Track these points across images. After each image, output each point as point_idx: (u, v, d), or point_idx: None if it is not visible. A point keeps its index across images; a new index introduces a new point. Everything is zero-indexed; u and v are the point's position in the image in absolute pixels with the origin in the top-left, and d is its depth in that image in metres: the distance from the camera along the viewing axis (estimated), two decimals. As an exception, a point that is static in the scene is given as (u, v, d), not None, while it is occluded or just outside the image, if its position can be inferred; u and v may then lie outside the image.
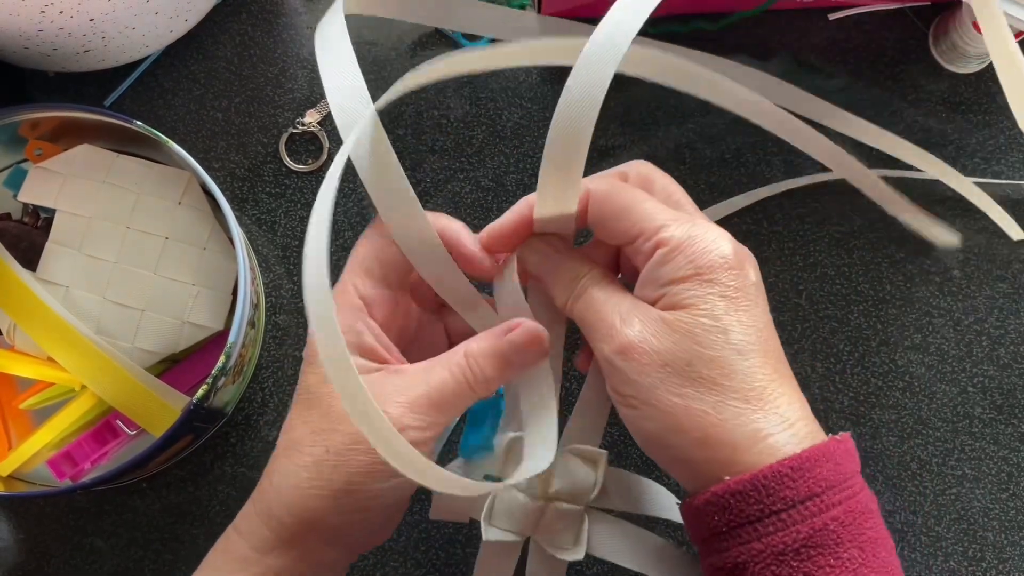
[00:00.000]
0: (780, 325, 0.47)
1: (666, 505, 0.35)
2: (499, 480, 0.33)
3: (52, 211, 0.44)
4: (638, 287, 0.31)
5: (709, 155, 0.49)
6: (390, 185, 0.31)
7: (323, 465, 0.29)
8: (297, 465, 0.30)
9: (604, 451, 0.34)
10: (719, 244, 0.30)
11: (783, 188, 0.48)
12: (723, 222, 0.48)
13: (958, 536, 0.46)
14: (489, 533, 0.33)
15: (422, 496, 0.46)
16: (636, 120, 0.49)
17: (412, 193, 0.31)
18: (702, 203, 0.48)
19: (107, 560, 0.46)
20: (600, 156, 0.49)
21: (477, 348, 0.31)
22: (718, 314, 0.29)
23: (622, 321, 0.30)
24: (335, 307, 0.28)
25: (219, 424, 0.45)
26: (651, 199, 0.31)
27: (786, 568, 0.27)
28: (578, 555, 0.33)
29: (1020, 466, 0.47)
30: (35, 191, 0.44)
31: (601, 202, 0.32)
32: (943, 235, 0.47)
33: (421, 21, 0.46)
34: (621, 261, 0.34)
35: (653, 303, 0.30)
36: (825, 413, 0.47)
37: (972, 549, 0.46)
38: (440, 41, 0.50)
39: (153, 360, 0.43)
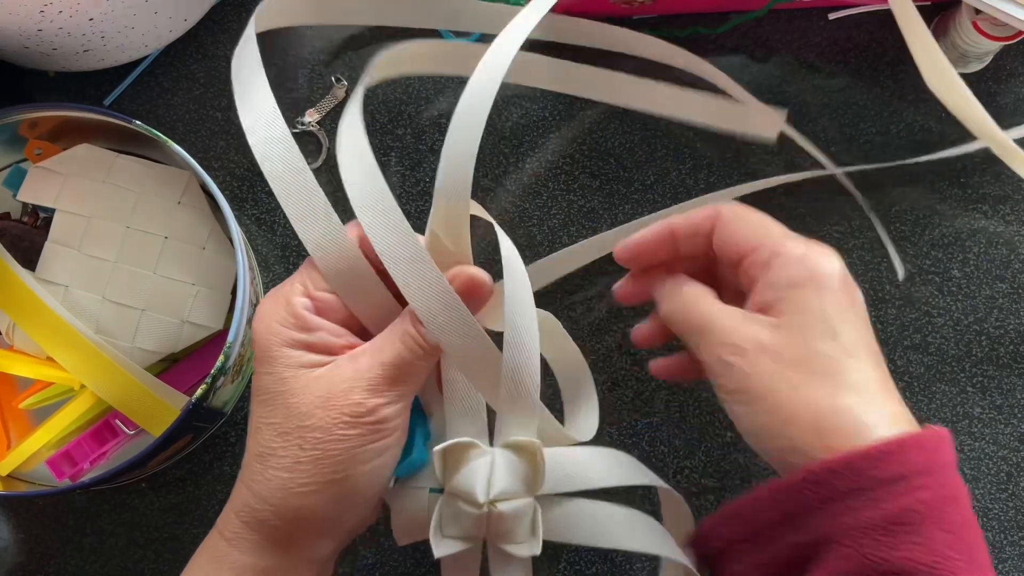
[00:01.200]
0: (780, 325, 0.48)
1: (606, 471, 0.34)
2: (441, 491, 0.33)
3: (52, 210, 0.44)
4: (752, 295, 0.33)
5: (710, 154, 0.49)
6: (308, 203, 0.32)
7: (302, 463, 0.30)
8: (276, 469, 0.30)
9: (537, 441, 0.33)
10: (832, 260, 0.33)
11: (771, 184, 0.48)
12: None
13: (958, 536, 0.46)
14: (439, 548, 0.32)
15: (422, 496, 0.46)
16: (637, 120, 0.49)
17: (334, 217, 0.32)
18: (704, 202, 0.49)
19: (107, 560, 0.46)
20: (602, 156, 0.49)
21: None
22: (829, 316, 0.31)
23: (734, 325, 0.32)
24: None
25: (218, 424, 0.45)
26: (773, 221, 0.35)
27: (870, 542, 0.28)
28: (535, 549, 0.32)
29: (1019, 466, 0.47)
30: (35, 191, 0.44)
31: (731, 218, 0.34)
32: (766, 126, 0.47)
33: (342, 22, 0.48)
34: (719, 281, 0.37)
35: (765, 310, 0.32)
36: (825, 413, 0.47)
37: (972, 549, 0.46)
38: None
39: (153, 360, 0.43)
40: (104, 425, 0.44)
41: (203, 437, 0.45)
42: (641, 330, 0.40)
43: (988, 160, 0.49)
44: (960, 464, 0.47)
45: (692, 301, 0.34)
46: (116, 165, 0.44)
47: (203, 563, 0.31)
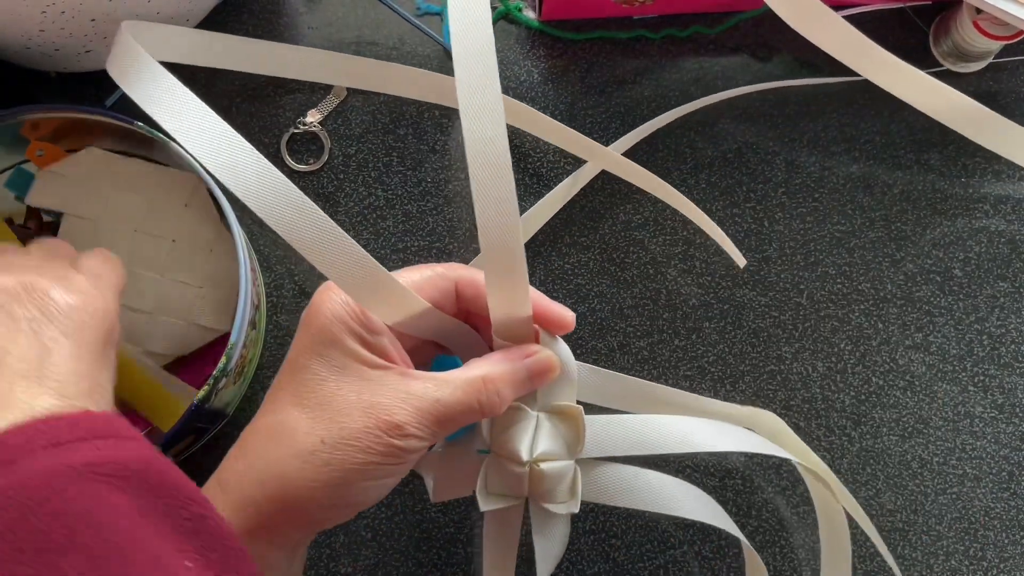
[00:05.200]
0: (781, 324, 0.48)
1: (652, 439, 0.36)
2: (488, 452, 0.34)
3: (56, 215, 0.44)
4: None
5: (710, 154, 0.49)
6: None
7: (316, 457, 0.29)
8: (286, 453, 0.29)
9: (579, 406, 0.34)
10: None
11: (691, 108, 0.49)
12: (728, 222, 0.48)
13: (959, 535, 0.46)
14: (485, 503, 0.34)
15: (423, 496, 0.47)
16: (637, 120, 0.49)
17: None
18: (704, 202, 0.49)
19: (108, 560, 0.46)
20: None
21: (495, 372, 0.31)
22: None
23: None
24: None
25: (220, 425, 0.45)
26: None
27: None
28: (574, 507, 0.34)
29: (1021, 465, 0.47)
30: (43, 195, 0.44)
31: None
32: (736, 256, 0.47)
33: (225, 66, 0.45)
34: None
35: None
36: (826, 412, 0.47)
37: (973, 548, 0.46)
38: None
39: (163, 362, 0.44)
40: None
41: (205, 438, 0.45)
42: None
43: (989, 160, 0.49)
44: (961, 463, 0.47)
45: None
46: (123, 168, 0.44)
47: None
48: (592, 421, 0.35)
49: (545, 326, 0.33)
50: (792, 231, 0.49)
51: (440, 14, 0.50)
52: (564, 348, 0.34)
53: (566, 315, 0.34)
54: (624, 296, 0.48)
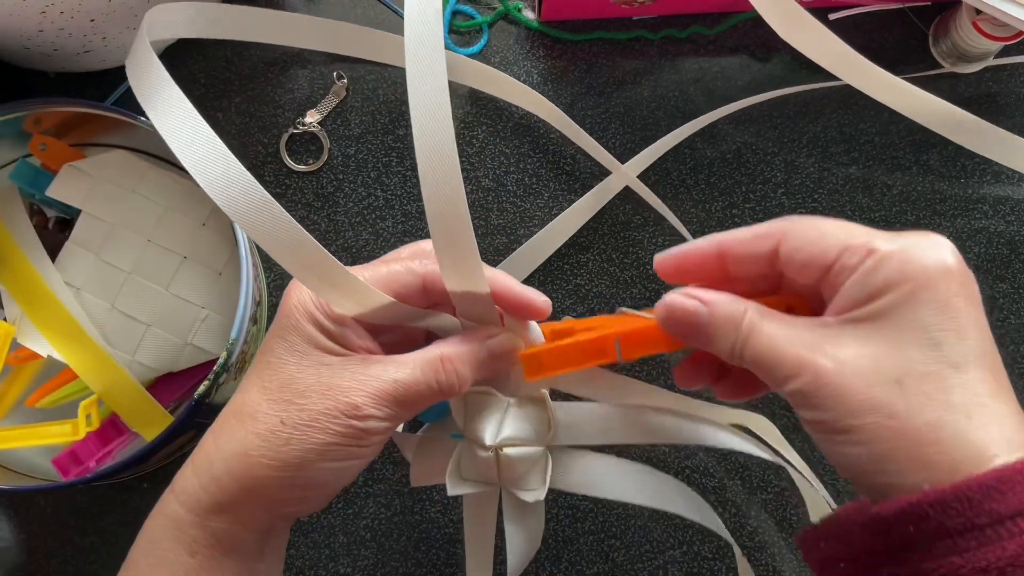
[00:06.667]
0: (780, 325, 0.48)
1: (615, 428, 0.35)
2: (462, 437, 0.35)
3: (64, 213, 0.44)
4: (835, 309, 0.28)
5: (710, 154, 0.49)
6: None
7: (276, 436, 0.29)
8: (248, 431, 0.30)
9: (545, 390, 0.35)
10: (937, 252, 0.27)
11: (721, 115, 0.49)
12: (727, 223, 0.48)
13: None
14: (454, 488, 0.34)
15: (423, 496, 0.47)
16: (637, 120, 0.49)
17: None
18: (703, 202, 0.49)
19: (108, 559, 0.46)
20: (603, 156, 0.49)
21: (454, 352, 0.31)
22: (929, 325, 0.26)
23: (809, 350, 0.27)
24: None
25: (220, 423, 0.45)
26: (854, 224, 0.29)
27: None
28: (540, 494, 0.34)
29: (1020, 466, 0.47)
30: (64, 189, 0.43)
31: (803, 229, 0.29)
32: None
33: (235, 37, 0.46)
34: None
35: (854, 322, 0.27)
36: (825, 413, 0.47)
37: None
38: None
39: (151, 375, 0.43)
40: (110, 424, 0.44)
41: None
42: (683, 369, 0.34)
43: (988, 161, 0.49)
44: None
45: (744, 329, 0.29)
46: (148, 176, 0.44)
47: (151, 520, 0.31)
48: (563, 408, 0.35)
49: (512, 310, 0.33)
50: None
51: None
52: (537, 333, 0.34)
53: (534, 299, 0.33)
54: (624, 296, 0.48)
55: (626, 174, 0.48)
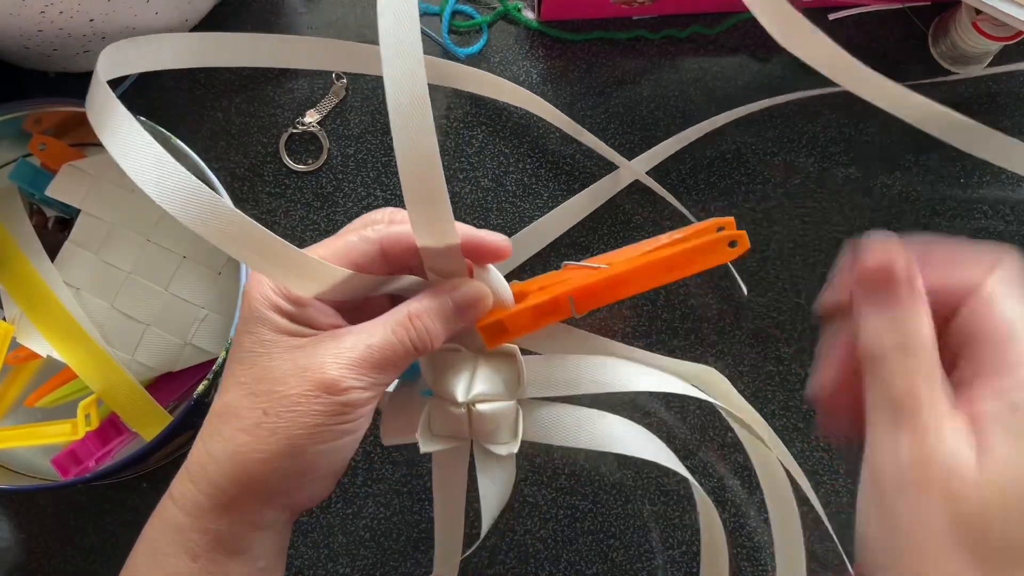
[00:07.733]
0: (780, 325, 0.48)
1: (591, 378, 0.36)
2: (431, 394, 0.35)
3: (63, 214, 0.44)
4: (969, 386, 0.23)
5: (710, 154, 0.49)
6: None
7: (262, 428, 0.29)
8: (234, 429, 0.29)
9: (515, 347, 0.35)
10: None
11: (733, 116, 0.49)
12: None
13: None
14: (426, 445, 0.34)
15: (422, 496, 0.47)
16: (637, 120, 0.49)
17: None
18: (703, 202, 0.49)
19: (108, 559, 0.46)
20: (602, 156, 0.49)
21: (421, 307, 0.31)
22: None
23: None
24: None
25: (219, 423, 0.45)
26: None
27: None
28: (513, 448, 0.34)
29: (1020, 466, 0.47)
30: (64, 189, 0.44)
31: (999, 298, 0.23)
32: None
33: (189, 65, 0.45)
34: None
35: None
36: (825, 413, 0.47)
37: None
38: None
39: (150, 375, 0.43)
40: (109, 424, 0.44)
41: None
42: (822, 381, 0.28)
43: (988, 162, 0.49)
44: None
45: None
46: None
47: (150, 527, 0.31)
48: (532, 361, 0.35)
49: (476, 256, 0.33)
50: (791, 232, 0.49)
51: (439, 14, 0.51)
52: (498, 279, 0.34)
53: (497, 240, 0.33)
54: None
55: (634, 169, 0.48)
